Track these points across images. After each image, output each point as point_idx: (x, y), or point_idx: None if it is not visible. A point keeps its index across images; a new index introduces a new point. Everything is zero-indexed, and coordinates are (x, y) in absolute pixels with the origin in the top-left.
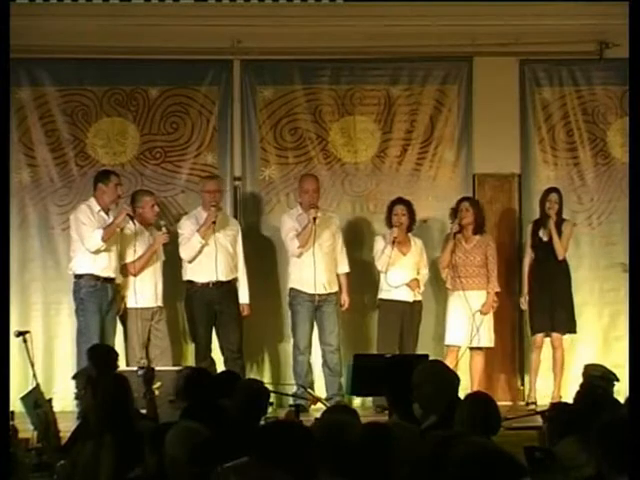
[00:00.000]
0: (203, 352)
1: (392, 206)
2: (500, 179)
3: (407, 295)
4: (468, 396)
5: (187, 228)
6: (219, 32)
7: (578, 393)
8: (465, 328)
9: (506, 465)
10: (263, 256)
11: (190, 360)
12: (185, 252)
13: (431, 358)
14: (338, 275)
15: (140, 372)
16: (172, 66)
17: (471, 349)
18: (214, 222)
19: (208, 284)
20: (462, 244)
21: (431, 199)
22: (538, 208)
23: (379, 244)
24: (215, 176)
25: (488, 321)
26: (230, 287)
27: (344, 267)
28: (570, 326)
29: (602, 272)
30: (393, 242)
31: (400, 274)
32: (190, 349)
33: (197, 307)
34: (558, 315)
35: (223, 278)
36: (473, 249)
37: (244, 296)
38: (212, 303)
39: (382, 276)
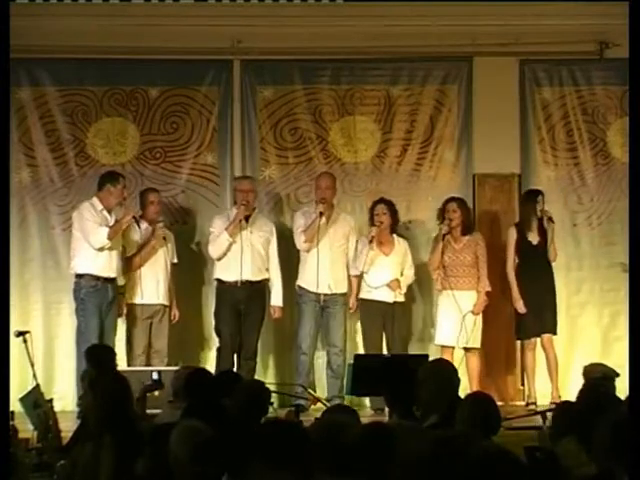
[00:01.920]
0: (226, 351)
1: (373, 206)
2: (500, 179)
3: (387, 296)
4: (468, 396)
5: (217, 226)
6: (219, 32)
7: (580, 393)
8: (456, 328)
9: (517, 469)
10: None
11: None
12: (213, 249)
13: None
14: (350, 277)
15: (155, 376)
16: (172, 66)
17: (465, 350)
18: (241, 220)
19: (236, 283)
20: (451, 244)
21: (431, 199)
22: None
23: (359, 245)
24: (249, 176)
25: (479, 321)
26: (259, 287)
27: (357, 270)
28: (552, 327)
29: (602, 272)
30: (371, 241)
31: (381, 274)
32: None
33: (223, 306)
34: (546, 317)
35: (251, 277)
36: (463, 249)
37: (277, 298)
38: (238, 303)
39: (364, 276)
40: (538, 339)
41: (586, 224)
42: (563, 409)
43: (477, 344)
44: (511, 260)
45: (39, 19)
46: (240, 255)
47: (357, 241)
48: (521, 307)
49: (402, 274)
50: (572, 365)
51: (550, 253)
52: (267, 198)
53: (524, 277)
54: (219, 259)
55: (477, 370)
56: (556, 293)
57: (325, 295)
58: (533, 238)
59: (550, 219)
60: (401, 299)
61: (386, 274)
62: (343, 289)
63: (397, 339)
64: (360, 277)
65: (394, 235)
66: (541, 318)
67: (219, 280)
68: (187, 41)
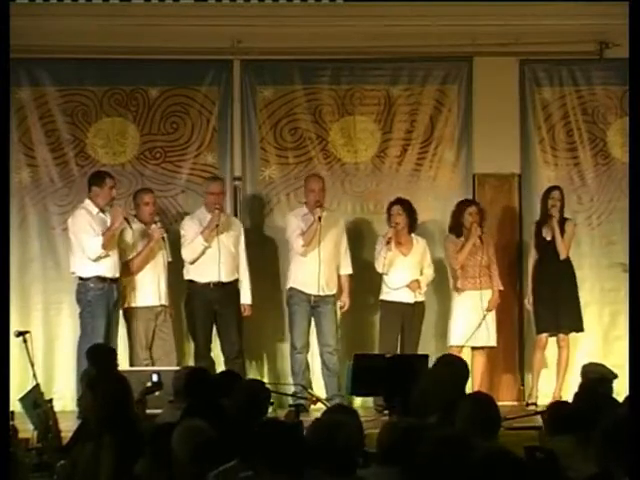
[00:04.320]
0: (202, 351)
1: (390, 207)
2: (500, 179)
3: (408, 296)
4: (469, 396)
5: (190, 229)
6: (219, 32)
7: (577, 393)
8: (473, 328)
9: (517, 469)
10: (263, 256)
11: (191, 359)
12: (187, 253)
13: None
14: (340, 276)
15: (155, 378)
16: (172, 66)
17: (473, 349)
18: (218, 225)
19: (209, 284)
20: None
21: (431, 199)
22: (539, 208)
23: (378, 245)
24: (217, 177)
25: (493, 320)
26: (231, 288)
27: (347, 268)
28: (577, 325)
29: (602, 272)
30: (388, 242)
31: (400, 275)
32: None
33: (197, 307)
34: (564, 314)
35: (224, 279)
36: (479, 250)
37: (246, 296)
38: (212, 303)
39: (384, 277)
40: (551, 339)
41: (586, 224)
42: (556, 409)
43: (494, 342)
44: (531, 256)
45: (39, 19)
46: (218, 258)
47: (376, 242)
48: (526, 303)
49: (422, 273)
50: (572, 365)
51: (558, 249)
52: (267, 198)
53: (538, 273)
54: (192, 263)
55: (482, 369)
56: (577, 291)
57: (316, 296)
58: (547, 234)
59: (552, 216)
60: (421, 298)
61: (405, 274)
62: (334, 289)
63: (414, 339)
64: (345, 278)
65: (412, 235)
66: (557, 315)
67: (191, 281)
68: (187, 41)
